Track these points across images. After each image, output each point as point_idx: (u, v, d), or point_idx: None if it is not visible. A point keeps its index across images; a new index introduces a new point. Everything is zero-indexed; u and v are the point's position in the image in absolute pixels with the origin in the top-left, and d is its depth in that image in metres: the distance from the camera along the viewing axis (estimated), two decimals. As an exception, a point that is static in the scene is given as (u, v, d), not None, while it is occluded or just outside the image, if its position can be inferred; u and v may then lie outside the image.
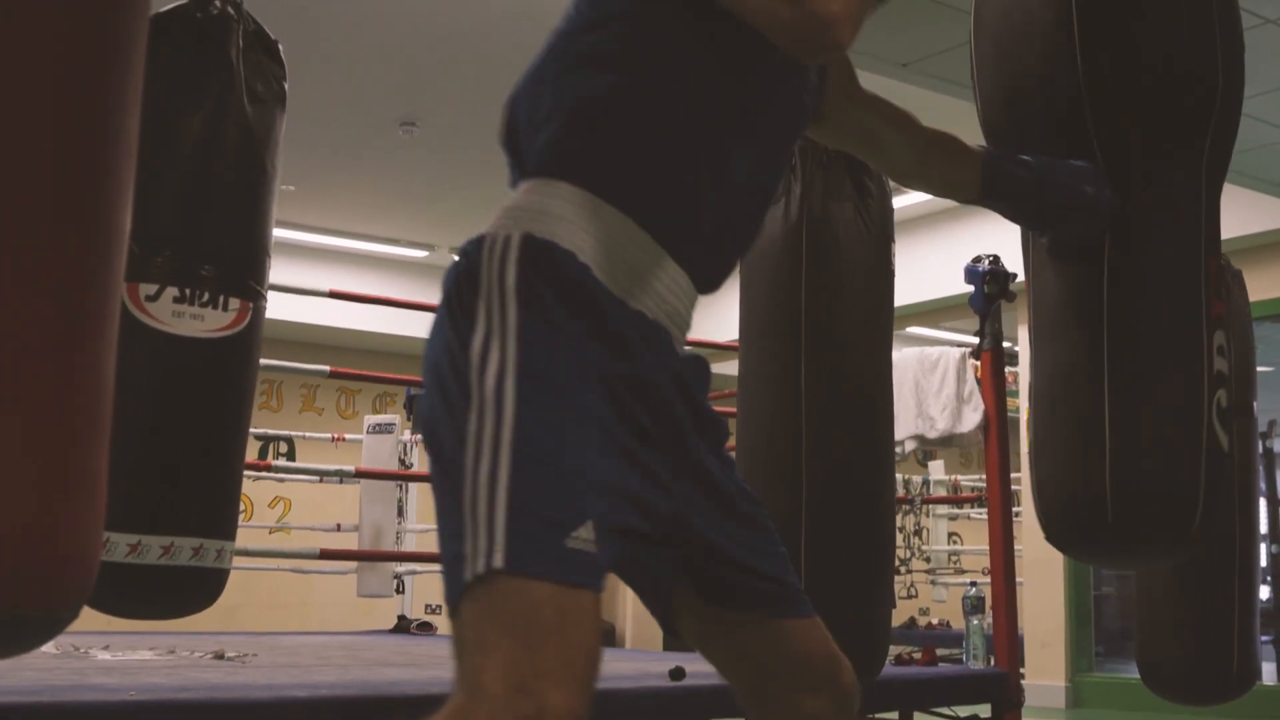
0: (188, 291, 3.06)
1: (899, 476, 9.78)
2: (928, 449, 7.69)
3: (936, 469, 10.66)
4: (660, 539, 1.79)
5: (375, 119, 8.04)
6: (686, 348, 1.85)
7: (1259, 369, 13.92)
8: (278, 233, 10.88)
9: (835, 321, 4.00)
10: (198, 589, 3.10)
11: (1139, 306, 2.68)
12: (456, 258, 1.75)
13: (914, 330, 11.73)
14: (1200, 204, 2.73)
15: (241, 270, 3.18)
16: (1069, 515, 2.75)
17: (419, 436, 6.14)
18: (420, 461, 8.57)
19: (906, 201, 9.24)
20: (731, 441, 3.76)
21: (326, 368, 5.60)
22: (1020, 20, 2.85)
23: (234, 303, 3.13)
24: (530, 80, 1.88)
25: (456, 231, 10.56)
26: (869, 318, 4.09)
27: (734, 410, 4.21)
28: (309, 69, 7.01)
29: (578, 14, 1.84)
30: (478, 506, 1.54)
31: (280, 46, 3.45)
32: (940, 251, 9.42)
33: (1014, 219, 2.63)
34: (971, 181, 2.45)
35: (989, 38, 2.96)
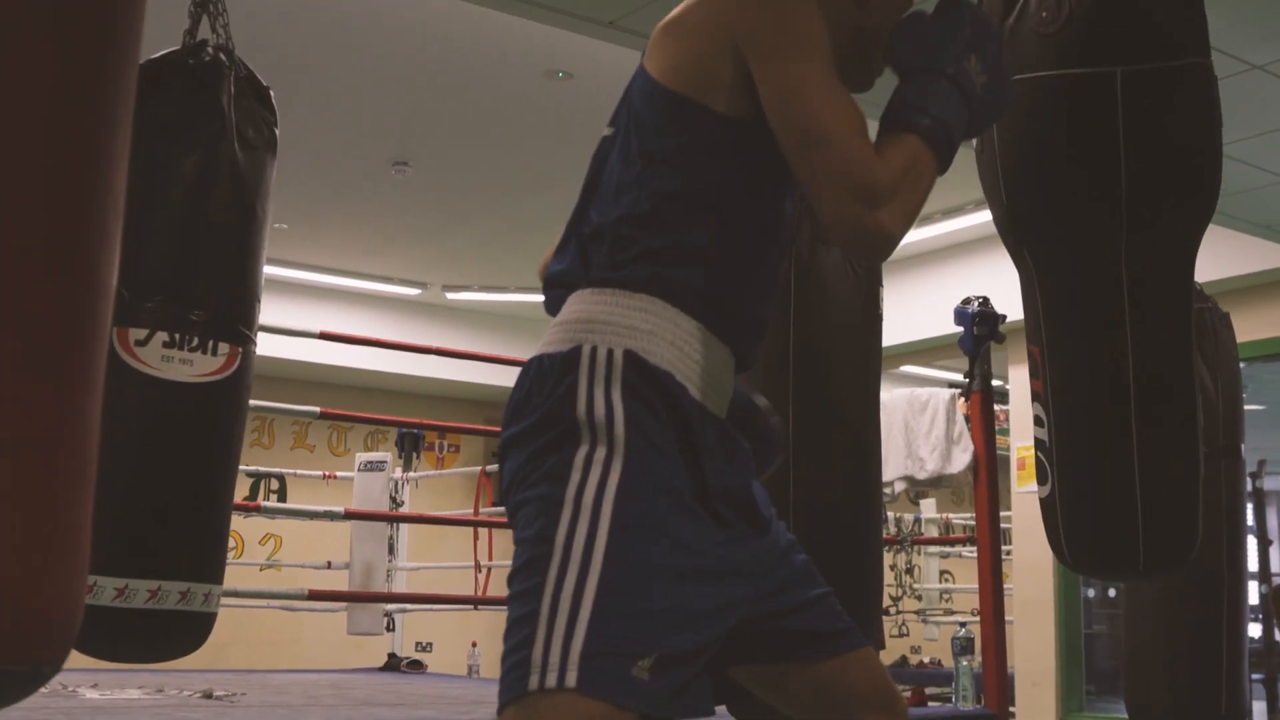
0: (177, 336, 3.08)
1: (890, 515, 9.79)
2: (918, 489, 7.70)
3: (928, 507, 10.67)
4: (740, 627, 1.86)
5: (368, 158, 8.07)
6: None
7: (1250, 408, 13.93)
8: (270, 270, 10.86)
9: (823, 365, 4.02)
10: (185, 633, 3.11)
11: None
12: (543, 356, 1.81)
13: (907, 369, 11.76)
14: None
15: (232, 315, 3.19)
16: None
17: (411, 475, 6.07)
18: (411, 501, 8.57)
19: (901, 241, 9.27)
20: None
21: (317, 409, 5.61)
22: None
23: (224, 347, 3.15)
24: (607, 191, 1.91)
25: (448, 271, 10.58)
26: (857, 360, 4.11)
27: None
28: (303, 108, 7.05)
29: (655, 132, 1.88)
30: (556, 619, 1.62)
31: (272, 93, 3.48)
32: (934, 290, 9.44)
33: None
34: None
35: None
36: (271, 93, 3.48)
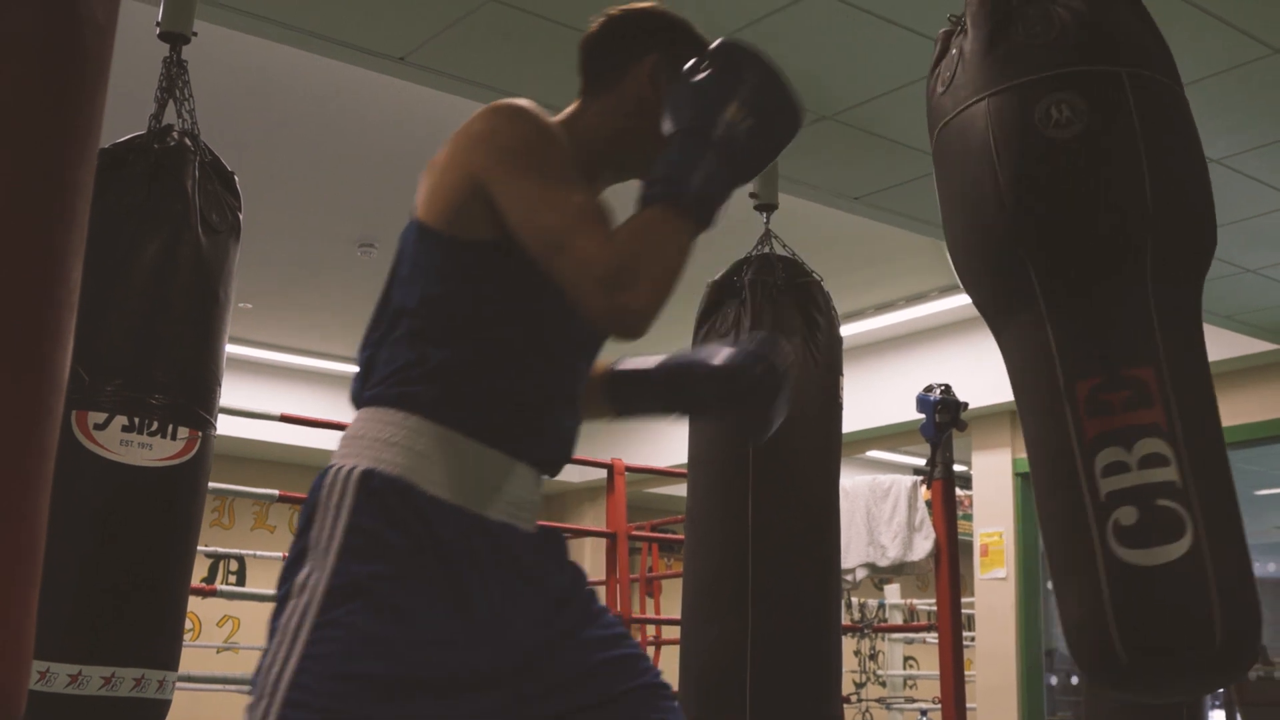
0: (137, 420, 3.07)
1: (854, 600, 9.77)
2: (881, 576, 7.70)
3: (892, 593, 10.65)
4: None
5: (334, 239, 8.09)
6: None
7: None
8: (233, 350, 10.83)
9: (783, 452, 4.03)
10: (138, 720, 3.07)
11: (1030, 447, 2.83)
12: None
13: (873, 454, 11.78)
14: (1047, 334, 2.81)
15: (191, 399, 3.19)
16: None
17: None
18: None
19: (863, 328, 9.33)
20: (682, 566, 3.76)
21: (275, 492, 5.57)
22: (963, 177, 2.97)
23: (183, 431, 3.14)
24: (374, 325, 2.04)
25: (414, 351, 10.56)
26: (817, 448, 4.13)
27: (681, 537, 4.23)
28: (269, 188, 7.06)
29: (412, 263, 2.03)
30: (259, 704, 1.77)
31: (236, 177, 3.49)
32: (898, 377, 9.49)
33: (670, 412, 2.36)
34: (607, 409, 2.34)
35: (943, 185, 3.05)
36: (236, 177, 3.49)
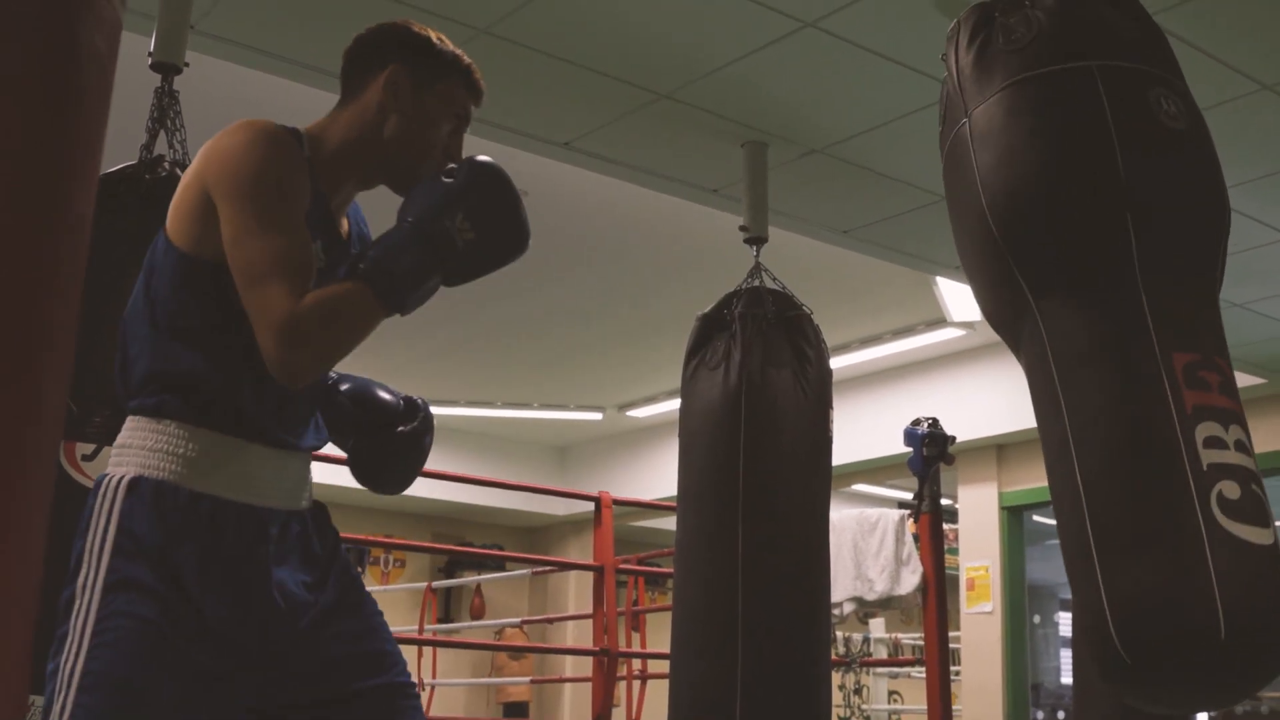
0: (124, 451, 3.05)
1: (839, 634, 9.74)
2: (867, 610, 7.67)
3: (877, 627, 10.62)
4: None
5: (321, 271, 8.10)
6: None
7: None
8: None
9: (773, 485, 4.03)
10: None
11: (1093, 428, 2.68)
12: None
13: (859, 488, 11.78)
14: (1143, 314, 2.71)
15: (180, 430, 3.16)
16: (1093, 647, 2.64)
17: None
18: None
19: (851, 361, 9.34)
20: (668, 600, 3.74)
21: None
22: (957, 199, 2.97)
23: (171, 463, 3.11)
24: (126, 334, 2.22)
25: (399, 384, 10.52)
26: (806, 482, 4.12)
27: (668, 570, 4.21)
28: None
29: (155, 274, 2.20)
30: (57, 697, 1.95)
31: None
32: (885, 410, 9.50)
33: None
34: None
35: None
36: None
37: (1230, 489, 2.54)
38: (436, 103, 2.31)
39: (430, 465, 3.49)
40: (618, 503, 6.46)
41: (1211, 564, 2.47)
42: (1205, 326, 2.77)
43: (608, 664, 6.03)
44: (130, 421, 2.14)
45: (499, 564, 12.03)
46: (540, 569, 10.62)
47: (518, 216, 2.20)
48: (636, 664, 8.29)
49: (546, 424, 11.94)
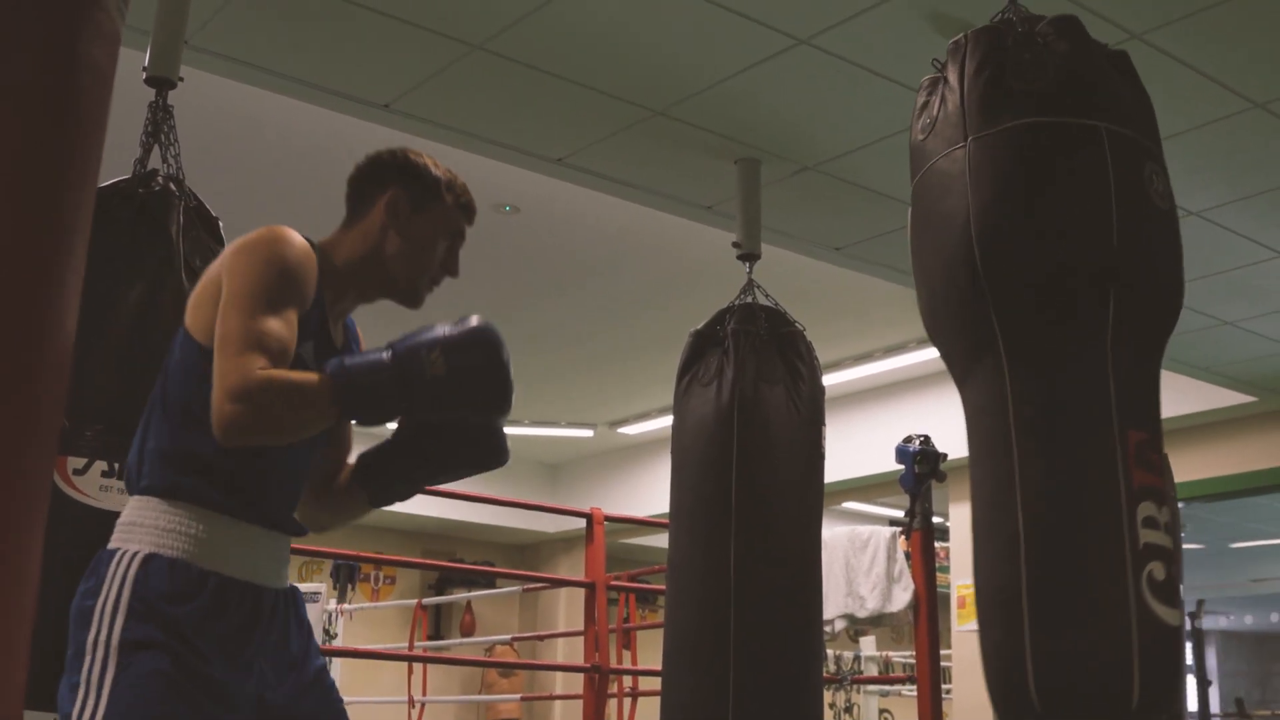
0: (116, 466, 3.04)
1: (830, 652, 9.73)
2: (858, 628, 7.67)
3: (868, 645, 10.62)
4: None
5: (313, 287, 8.08)
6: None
7: (1190, 547, 13.98)
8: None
9: (765, 502, 4.02)
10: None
11: (1049, 482, 2.72)
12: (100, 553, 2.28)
13: (849, 505, 11.77)
14: (1108, 386, 2.75)
15: (172, 445, 3.15)
16: (1002, 690, 2.76)
17: (346, 606, 6.19)
18: (345, 633, 8.45)
19: (843, 378, 9.34)
20: (659, 617, 3.74)
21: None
22: (930, 217, 2.95)
23: (163, 478, 3.10)
24: (145, 420, 2.38)
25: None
26: (799, 498, 4.11)
27: (659, 588, 4.21)
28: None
29: (175, 363, 2.35)
30: None
31: (221, 223, 3.47)
32: (876, 428, 9.50)
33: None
34: (360, 499, 2.61)
35: (914, 233, 3.04)
36: (220, 223, 3.48)
37: (1158, 570, 2.66)
38: (432, 223, 2.53)
39: None
40: (609, 519, 6.45)
41: (1136, 639, 2.61)
42: (1155, 404, 2.86)
43: (599, 681, 6.01)
44: (139, 501, 2.28)
45: (490, 581, 12.00)
46: (531, 585, 10.60)
47: (499, 374, 2.32)
48: (628, 681, 8.27)
49: (538, 441, 11.93)
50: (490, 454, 2.57)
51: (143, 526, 2.25)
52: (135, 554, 2.21)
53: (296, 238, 2.36)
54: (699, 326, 4.38)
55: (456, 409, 2.34)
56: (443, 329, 2.30)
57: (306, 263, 2.35)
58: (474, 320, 2.34)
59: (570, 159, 4.93)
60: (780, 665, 3.94)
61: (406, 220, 2.51)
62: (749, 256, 4.72)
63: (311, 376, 2.23)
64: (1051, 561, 2.68)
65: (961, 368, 2.96)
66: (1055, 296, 2.78)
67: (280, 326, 2.24)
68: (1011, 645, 2.68)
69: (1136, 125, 2.94)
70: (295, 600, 2.44)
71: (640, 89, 4.42)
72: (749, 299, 4.45)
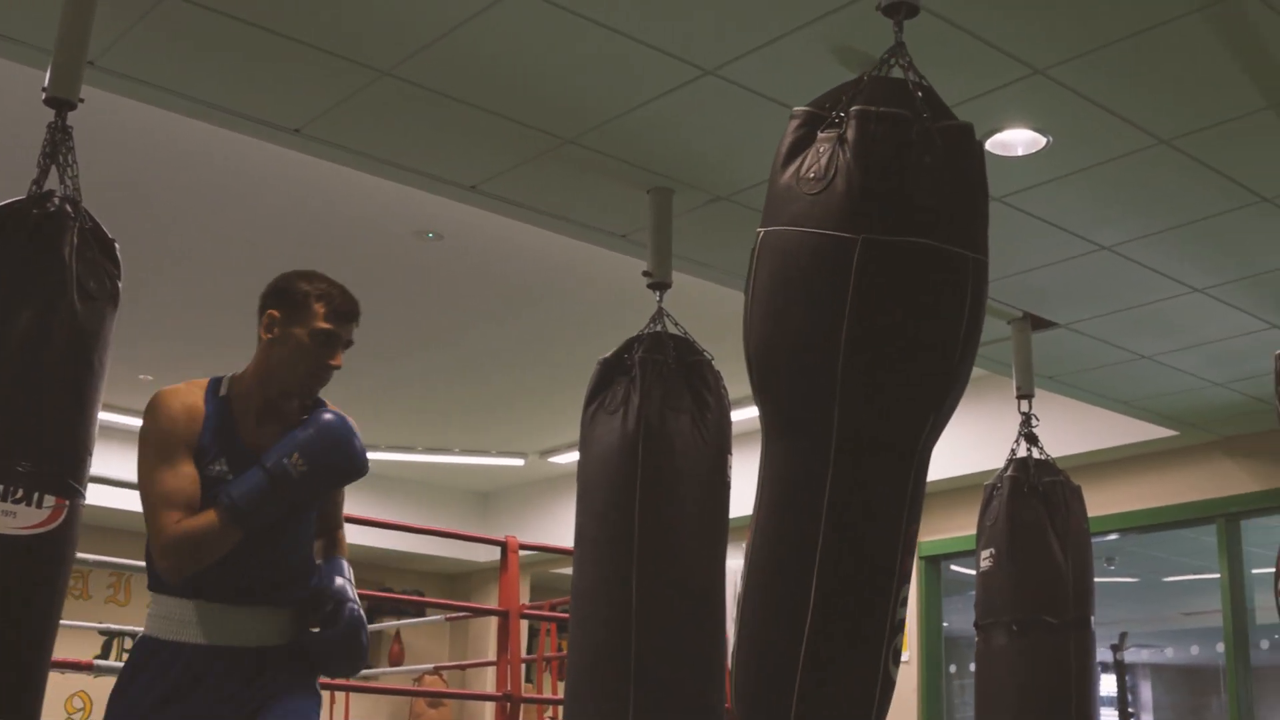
0: (1, 488, 3.01)
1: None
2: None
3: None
4: None
5: (235, 313, 8.01)
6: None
7: (1122, 580, 14.04)
8: (129, 421, 10.61)
9: (669, 530, 4.03)
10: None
11: (847, 559, 2.91)
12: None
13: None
14: (907, 487, 2.96)
15: (60, 468, 3.12)
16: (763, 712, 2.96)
17: None
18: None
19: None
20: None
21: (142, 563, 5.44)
22: (800, 280, 2.94)
23: (49, 500, 3.07)
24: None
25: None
26: (703, 526, 4.12)
27: (566, 616, 4.19)
28: (174, 260, 7.02)
29: None
30: None
31: (117, 245, 3.44)
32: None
33: None
34: None
35: (768, 276, 3.02)
36: (117, 245, 3.45)
37: (898, 642, 2.99)
38: (303, 332, 3.05)
39: (350, 510, 3.66)
40: (527, 548, 6.43)
41: (877, 701, 2.95)
42: (921, 500, 3.09)
43: (510, 709, 5.98)
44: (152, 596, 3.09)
45: (420, 610, 11.92)
46: (453, 615, 10.55)
47: (349, 450, 3.00)
48: (549, 711, 8.23)
49: (468, 469, 11.88)
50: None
51: (148, 616, 3.07)
52: (138, 636, 3.05)
53: (170, 398, 3.07)
54: (607, 355, 4.38)
55: (324, 491, 3.07)
56: (301, 433, 2.96)
57: (181, 415, 3.04)
58: (325, 416, 3.01)
59: (483, 186, 4.92)
60: (681, 694, 3.93)
61: (283, 334, 3.07)
62: (659, 285, 4.72)
63: (211, 515, 2.89)
64: (831, 624, 2.90)
65: (779, 426, 3.04)
66: (897, 405, 2.92)
67: (176, 479, 2.95)
68: (779, 695, 2.90)
69: (984, 246, 3.02)
70: (275, 655, 3.06)
71: (550, 117, 4.43)
72: (659, 328, 4.46)
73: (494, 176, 4.85)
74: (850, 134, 2.93)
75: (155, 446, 2.98)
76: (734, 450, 4.34)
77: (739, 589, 3.08)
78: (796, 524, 2.91)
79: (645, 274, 4.78)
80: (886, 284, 2.85)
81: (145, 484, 2.95)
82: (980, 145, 3.05)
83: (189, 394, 3.09)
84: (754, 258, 3.05)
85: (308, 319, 3.06)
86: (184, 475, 2.95)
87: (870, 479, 2.92)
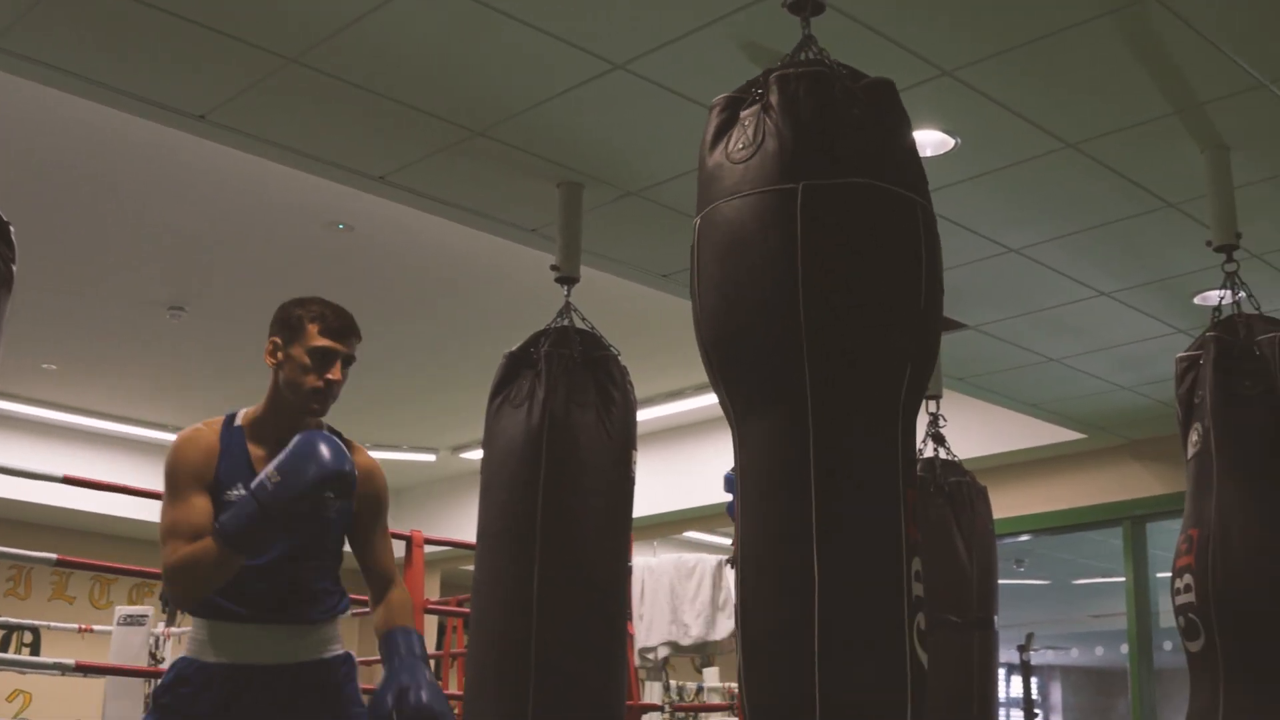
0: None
1: (672, 683, 9.72)
2: (684, 656, 7.66)
3: (711, 675, 10.63)
4: None
5: (143, 302, 7.90)
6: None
7: (1032, 582, 14.14)
8: (32, 411, 10.45)
9: (572, 523, 4.00)
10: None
11: (846, 528, 2.74)
12: None
13: (691, 535, 11.79)
14: (897, 446, 2.83)
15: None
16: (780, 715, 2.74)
17: (174, 630, 6.16)
18: (171, 655, 8.24)
19: (686, 406, 9.34)
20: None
21: (53, 555, 5.34)
22: (746, 247, 2.90)
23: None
24: None
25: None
26: (606, 521, 4.10)
27: (468, 611, 4.16)
28: (79, 249, 6.89)
29: None
30: None
31: (12, 228, 3.35)
32: (717, 457, 9.50)
33: None
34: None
35: (713, 257, 2.98)
36: (12, 228, 3.36)
37: (922, 620, 2.78)
38: (300, 351, 3.21)
39: None
40: (432, 542, 6.38)
41: (910, 683, 2.71)
42: (914, 463, 2.98)
43: (415, 706, 5.91)
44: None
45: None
46: (359, 610, 10.44)
47: (316, 457, 3.00)
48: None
49: (380, 465, 11.79)
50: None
51: (186, 638, 3.28)
52: (180, 657, 3.21)
53: (183, 441, 3.21)
54: (512, 348, 4.35)
55: (307, 494, 2.98)
56: (281, 457, 3.01)
57: (191, 453, 3.17)
58: (301, 434, 3.06)
59: (392, 177, 4.88)
60: (581, 688, 3.91)
61: (285, 357, 3.22)
62: (567, 280, 4.70)
63: (208, 542, 2.99)
64: (844, 604, 2.70)
65: (751, 403, 2.93)
66: (868, 356, 2.80)
67: (182, 511, 3.08)
68: (798, 682, 2.67)
69: (927, 192, 2.98)
70: (305, 672, 3.20)
71: (460, 109, 4.39)
72: (565, 322, 4.43)
73: (403, 167, 4.80)
74: (774, 98, 2.93)
75: (167, 484, 3.13)
76: (639, 448, 4.32)
77: (736, 589, 2.92)
78: (788, 502, 2.77)
79: (553, 268, 4.75)
80: (834, 228, 2.79)
81: (163, 512, 3.13)
82: (897, 96, 3.03)
83: (204, 433, 3.24)
84: (693, 248, 3.02)
85: (304, 338, 3.21)
86: (191, 507, 3.10)
87: (856, 443, 2.79)
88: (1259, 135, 4.54)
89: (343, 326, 3.31)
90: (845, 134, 2.87)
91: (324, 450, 3.03)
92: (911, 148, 3.01)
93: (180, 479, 3.12)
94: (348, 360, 3.31)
